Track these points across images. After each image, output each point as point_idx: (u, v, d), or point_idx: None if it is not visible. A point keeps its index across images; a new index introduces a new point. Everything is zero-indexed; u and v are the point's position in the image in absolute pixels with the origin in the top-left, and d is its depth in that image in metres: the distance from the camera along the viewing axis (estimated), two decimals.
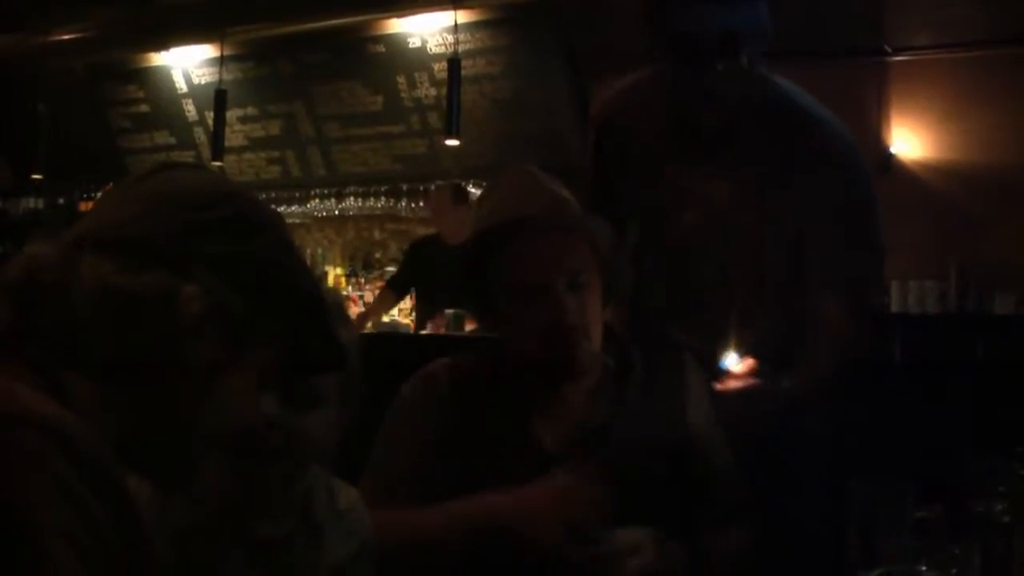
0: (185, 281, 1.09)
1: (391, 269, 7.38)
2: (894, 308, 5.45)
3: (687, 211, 2.27)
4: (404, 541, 1.76)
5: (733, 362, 2.00)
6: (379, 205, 7.13)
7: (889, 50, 5.84)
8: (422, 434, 1.94)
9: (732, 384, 1.96)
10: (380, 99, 6.85)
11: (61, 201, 8.41)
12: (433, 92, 6.63)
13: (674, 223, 2.30)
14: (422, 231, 7.68)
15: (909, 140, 5.81)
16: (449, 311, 5.51)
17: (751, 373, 1.98)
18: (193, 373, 1.12)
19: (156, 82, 7.64)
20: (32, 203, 8.61)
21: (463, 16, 6.07)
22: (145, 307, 1.08)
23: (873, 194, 2.31)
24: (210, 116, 6.94)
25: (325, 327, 1.22)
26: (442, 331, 5.51)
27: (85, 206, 8.04)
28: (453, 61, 5.80)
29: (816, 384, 2.17)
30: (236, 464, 1.54)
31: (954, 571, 1.58)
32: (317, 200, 7.31)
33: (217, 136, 6.70)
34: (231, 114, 7.05)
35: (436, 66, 6.51)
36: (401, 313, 7.04)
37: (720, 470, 1.97)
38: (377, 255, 7.72)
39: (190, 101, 7.57)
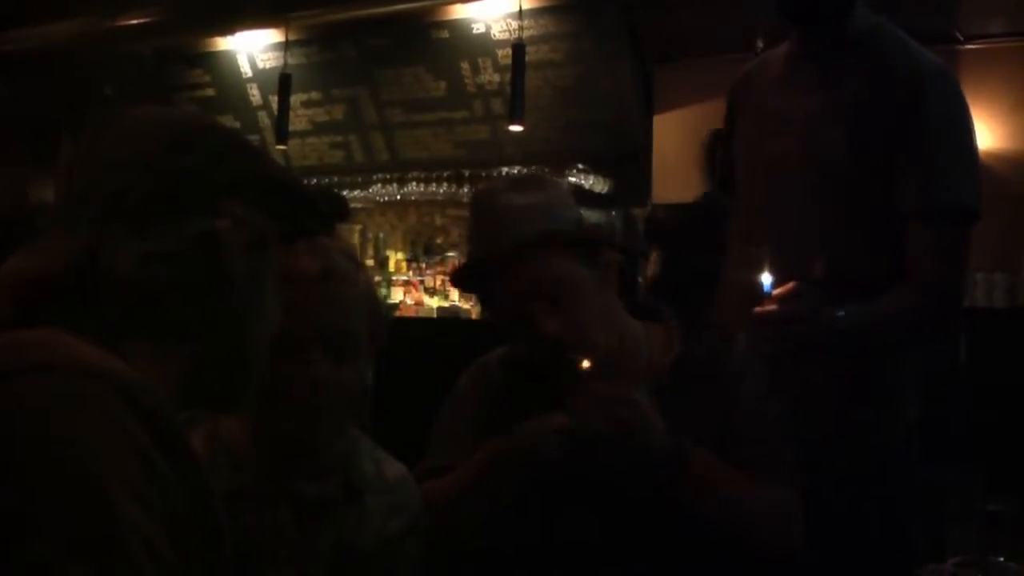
0: (217, 217, 1.10)
1: (452, 255, 7.39)
2: None
3: (779, 131, 2.24)
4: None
5: (772, 285, 1.90)
6: (441, 191, 7.11)
7: (961, 38, 5.73)
8: (473, 421, 1.96)
9: (770, 308, 1.87)
10: (443, 84, 6.85)
11: None
12: (496, 78, 6.61)
13: (766, 142, 2.28)
14: None
15: (980, 129, 5.66)
16: None
17: (792, 296, 1.88)
18: (240, 293, 1.13)
19: (221, 66, 7.71)
20: None
21: (527, 2, 6.04)
22: (193, 258, 1.08)
23: (974, 139, 2.32)
24: (274, 100, 6.99)
25: (310, 205, 1.23)
26: None
27: None
28: (517, 47, 5.78)
29: (881, 322, 2.06)
30: (280, 420, 1.54)
31: None
32: (379, 185, 7.30)
33: (281, 120, 6.74)
34: (295, 98, 7.09)
35: (500, 52, 6.50)
36: (462, 300, 7.04)
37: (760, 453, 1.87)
38: (439, 240, 7.73)
39: (255, 85, 7.62)
